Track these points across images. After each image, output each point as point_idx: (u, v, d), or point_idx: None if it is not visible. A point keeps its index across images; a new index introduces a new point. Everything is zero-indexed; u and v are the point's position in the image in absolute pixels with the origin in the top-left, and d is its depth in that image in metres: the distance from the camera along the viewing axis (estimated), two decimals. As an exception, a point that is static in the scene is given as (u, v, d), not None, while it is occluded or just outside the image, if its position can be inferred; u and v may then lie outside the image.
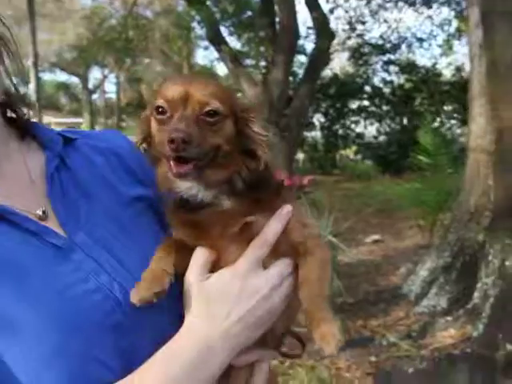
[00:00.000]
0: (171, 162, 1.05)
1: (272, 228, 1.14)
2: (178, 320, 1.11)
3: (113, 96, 47.29)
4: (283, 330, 1.29)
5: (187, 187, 1.12)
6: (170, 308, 1.15)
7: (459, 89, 19.80)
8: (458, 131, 20.53)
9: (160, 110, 1.10)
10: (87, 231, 1.15)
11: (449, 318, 5.27)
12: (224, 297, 1.09)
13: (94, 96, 44.27)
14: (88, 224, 1.17)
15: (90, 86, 41.29)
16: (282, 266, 1.16)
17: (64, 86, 50.69)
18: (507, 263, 5.06)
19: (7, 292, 0.99)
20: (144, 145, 1.19)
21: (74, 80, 47.15)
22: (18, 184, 1.18)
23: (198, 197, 1.12)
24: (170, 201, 1.17)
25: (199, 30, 21.40)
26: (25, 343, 0.97)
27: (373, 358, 4.97)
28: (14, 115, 1.26)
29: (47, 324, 0.99)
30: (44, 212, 1.14)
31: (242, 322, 1.08)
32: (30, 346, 0.97)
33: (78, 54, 28.11)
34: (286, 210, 1.16)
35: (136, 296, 1.07)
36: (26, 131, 1.28)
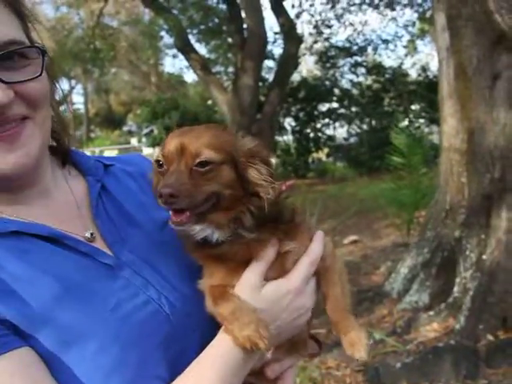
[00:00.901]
0: (170, 212, 1.14)
1: (316, 249, 1.29)
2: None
3: (81, 107, 46.77)
4: (308, 336, 1.45)
5: (198, 230, 1.18)
6: None
7: (425, 88, 20.26)
8: (427, 130, 20.98)
9: (159, 163, 1.19)
10: (132, 250, 1.25)
11: (431, 313, 5.46)
12: (274, 307, 1.22)
13: (62, 108, 43.56)
14: (132, 244, 1.27)
15: (57, 97, 40.68)
16: (313, 284, 1.31)
17: (30, 99, 49.73)
18: (484, 257, 5.27)
19: (75, 307, 1.09)
20: None
21: (40, 92, 46.27)
22: (67, 209, 1.28)
23: (214, 237, 1.19)
24: (192, 242, 1.23)
25: (167, 38, 21.46)
26: (90, 355, 1.06)
27: (360, 356, 5.10)
28: (54, 143, 1.36)
29: (108, 338, 1.09)
30: (92, 234, 1.24)
31: (279, 330, 1.23)
32: (93, 357, 1.06)
33: (43, 66, 27.63)
34: (320, 233, 1.32)
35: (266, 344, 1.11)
36: (66, 158, 1.39)
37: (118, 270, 1.20)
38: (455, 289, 5.45)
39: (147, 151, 23.07)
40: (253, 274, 1.22)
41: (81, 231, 1.24)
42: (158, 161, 1.19)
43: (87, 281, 1.14)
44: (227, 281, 1.23)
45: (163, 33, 20.32)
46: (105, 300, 1.13)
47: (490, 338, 4.79)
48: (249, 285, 1.21)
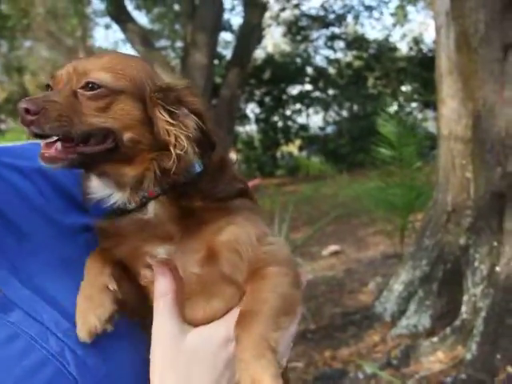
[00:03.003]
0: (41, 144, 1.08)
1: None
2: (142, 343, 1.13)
3: (-13, 91, 45.75)
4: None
5: (96, 187, 1.13)
6: (131, 335, 1.16)
7: (418, 65, 20.56)
8: (420, 115, 21.29)
9: (47, 87, 1.16)
10: (25, 280, 1.09)
11: (434, 339, 5.44)
12: (215, 364, 1.11)
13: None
14: (23, 270, 1.10)
15: None
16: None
17: None
18: (497, 269, 5.27)
19: None
20: None
21: None
22: None
23: (113, 200, 1.12)
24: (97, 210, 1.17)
25: (97, 3, 21.15)
26: None
27: (349, 395, 5.07)
28: None
29: None
30: None
31: None
32: None
33: None
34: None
35: (83, 329, 1.05)
36: None
37: (3, 314, 1.03)
38: (463, 309, 5.46)
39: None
40: (162, 316, 1.13)
41: None
42: (47, 85, 1.16)
43: None
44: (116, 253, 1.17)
45: (93, -4, 20.05)
46: None
47: (510, 369, 4.79)
48: (165, 333, 1.12)
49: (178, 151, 1.08)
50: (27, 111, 1.02)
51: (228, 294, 1.15)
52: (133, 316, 1.19)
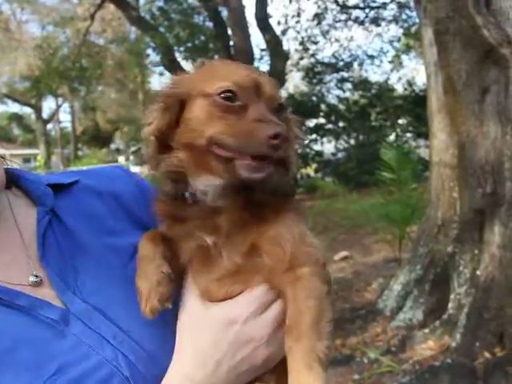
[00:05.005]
0: (248, 160, 0.91)
1: None
2: None
3: (68, 125, 46.62)
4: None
5: (209, 185, 0.99)
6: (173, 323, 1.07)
7: (412, 102, 20.40)
8: (414, 144, 21.09)
9: (227, 95, 0.95)
10: (85, 296, 1.04)
11: (426, 330, 5.36)
12: (218, 344, 0.99)
13: (49, 126, 43.51)
14: (87, 288, 1.05)
15: (45, 115, 40.59)
16: (276, 310, 1.02)
17: (16, 117, 49.67)
18: (478, 272, 5.19)
19: (2, 380, 0.90)
20: (155, 134, 1.02)
21: (27, 110, 46.32)
22: (9, 248, 1.06)
23: (210, 198, 1.00)
24: (166, 194, 1.04)
25: (154, 56, 21.45)
26: None
27: (355, 376, 5.00)
28: None
29: None
30: (38, 278, 1.03)
31: (234, 370, 0.99)
32: None
33: (30, 85, 27.64)
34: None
35: (147, 308, 0.98)
36: (9, 181, 1.14)
37: (66, 326, 0.98)
38: (450, 305, 5.37)
39: (135, 169, 22.93)
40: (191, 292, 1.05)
41: (25, 276, 1.03)
42: (228, 91, 0.95)
43: (23, 344, 0.94)
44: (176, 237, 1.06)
45: (150, 51, 20.36)
46: (42, 367, 0.92)
47: (487, 355, 4.70)
48: (191, 305, 1.03)
49: (297, 163, 1.04)
50: (285, 140, 0.90)
51: (252, 281, 1.02)
52: None
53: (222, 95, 0.94)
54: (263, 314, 1.01)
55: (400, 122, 22.15)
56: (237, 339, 0.99)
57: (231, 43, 17.52)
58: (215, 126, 0.94)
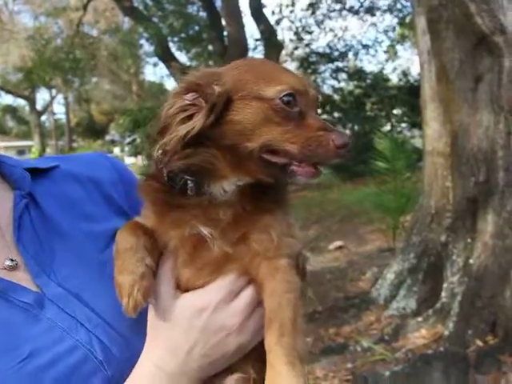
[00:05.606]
0: (308, 167, 0.93)
1: None
2: None
3: (62, 117, 46.42)
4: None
5: (236, 184, 0.99)
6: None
7: (407, 92, 20.37)
8: (408, 134, 21.10)
9: (288, 99, 0.93)
10: (61, 280, 1.03)
11: (419, 319, 5.37)
12: (188, 333, 0.98)
13: (43, 118, 43.31)
14: (61, 270, 1.04)
15: (39, 107, 40.37)
16: (246, 297, 1.01)
17: (10, 109, 49.42)
18: (471, 261, 5.20)
19: None
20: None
21: (21, 102, 46.10)
22: None
23: (227, 195, 0.99)
24: (164, 184, 1.01)
25: (147, 46, 21.35)
26: None
27: (349, 365, 5.01)
28: None
29: None
30: (13, 260, 1.02)
31: (206, 358, 0.99)
32: None
33: (23, 76, 27.43)
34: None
35: (129, 304, 0.94)
36: None
37: (41, 310, 0.97)
38: (443, 294, 5.38)
39: (130, 160, 22.87)
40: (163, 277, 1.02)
41: (1, 260, 1.02)
42: (290, 94, 0.93)
43: None
44: (161, 228, 1.02)
45: (143, 41, 20.28)
46: (14, 351, 0.91)
47: (479, 343, 4.72)
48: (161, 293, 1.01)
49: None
50: (346, 146, 0.90)
51: (227, 269, 1.01)
52: None
53: (285, 99, 0.93)
54: (233, 301, 1.00)
55: (395, 112, 22.15)
56: (207, 327, 0.98)
57: (225, 33, 17.44)
58: (273, 132, 0.92)
